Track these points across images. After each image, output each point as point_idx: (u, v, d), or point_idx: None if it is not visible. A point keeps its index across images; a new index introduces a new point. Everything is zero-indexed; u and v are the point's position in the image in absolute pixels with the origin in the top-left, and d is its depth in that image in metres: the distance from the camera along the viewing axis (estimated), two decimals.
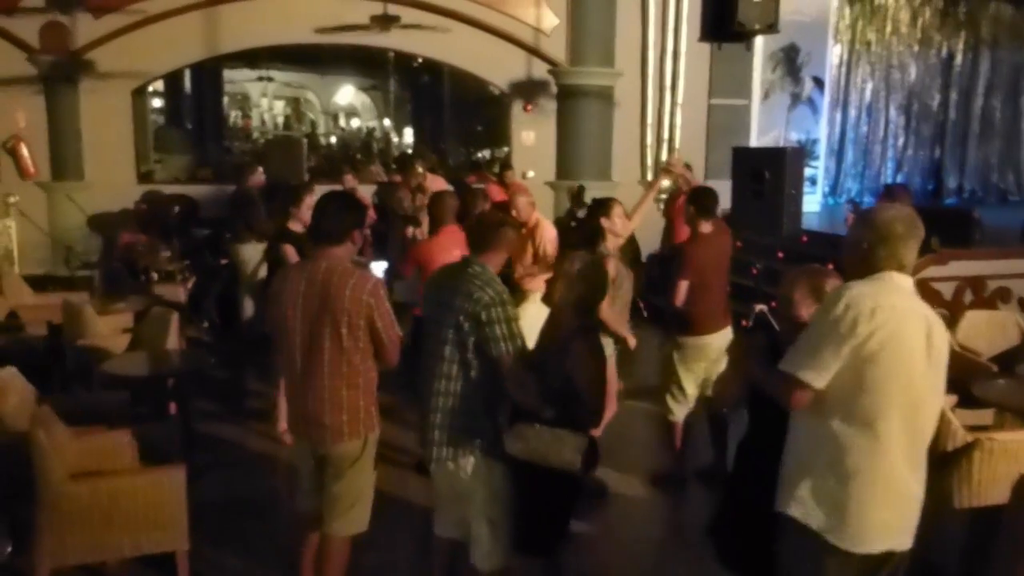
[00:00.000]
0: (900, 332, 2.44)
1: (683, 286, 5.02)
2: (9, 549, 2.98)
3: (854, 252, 2.58)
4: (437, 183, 9.05)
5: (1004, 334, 6.42)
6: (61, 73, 10.45)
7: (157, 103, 17.26)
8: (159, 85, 15.42)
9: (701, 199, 5.34)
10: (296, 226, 5.93)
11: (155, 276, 8.65)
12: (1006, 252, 8.44)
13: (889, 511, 2.51)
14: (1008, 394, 4.97)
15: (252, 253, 8.36)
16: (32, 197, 10.32)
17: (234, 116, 25.23)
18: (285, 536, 4.50)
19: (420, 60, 13.08)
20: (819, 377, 2.45)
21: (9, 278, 7.50)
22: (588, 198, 9.44)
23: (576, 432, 3.16)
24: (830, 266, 6.38)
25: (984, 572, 3.64)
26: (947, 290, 8.15)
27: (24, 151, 10.44)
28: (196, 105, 18.08)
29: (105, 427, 4.39)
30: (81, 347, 5.84)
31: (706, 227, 5.26)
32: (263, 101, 27.47)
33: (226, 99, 21.96)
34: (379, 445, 3.52)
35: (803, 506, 2.54)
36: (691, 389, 5.22)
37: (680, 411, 5.29)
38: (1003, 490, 3.43)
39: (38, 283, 8.07)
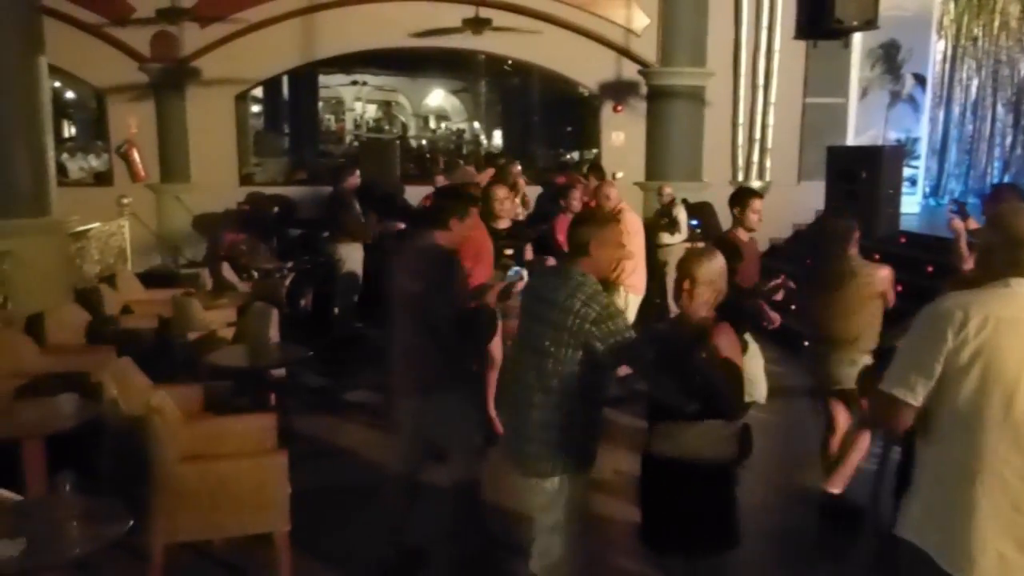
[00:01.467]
0: (998, 344, 2.24)
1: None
2: (131, 523, 3.17)
3: (981, 258, 2.44)
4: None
5: None
6: (169, 80, 10.97)
7: (256, 108, 17.90)
8: (258, 91, 15.98)
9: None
10: None
11: (256, 274, 9.00)
12: None
13: (1005, 543, 2.26)
14: None
15: (346, 252, 8.61)
16: (142, 199, 10.86)
17: (328, 120, 25.91)
18: (378, 522, 4.69)
19: (510, 62, 13.18)
20: (912, 394, 2.33)
21: (123, 275, 7.91)
22: (678, 199, 9.41)
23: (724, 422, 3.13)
24: (929, 269, 6.14)
25: None
26: None
27: (135, 155, 11.00)
28: (293, 109, 18.66)
29: (212, 415, 4.64)
30: (189, 339, 6.13)
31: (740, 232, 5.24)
32: (356, 105, 28.11)
33: (321, 103, 22.56)
34: None
35: (918, 527, 2.40)
36: None
37: None
38: None
39: (148, 280, 8.48)
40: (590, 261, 3.26)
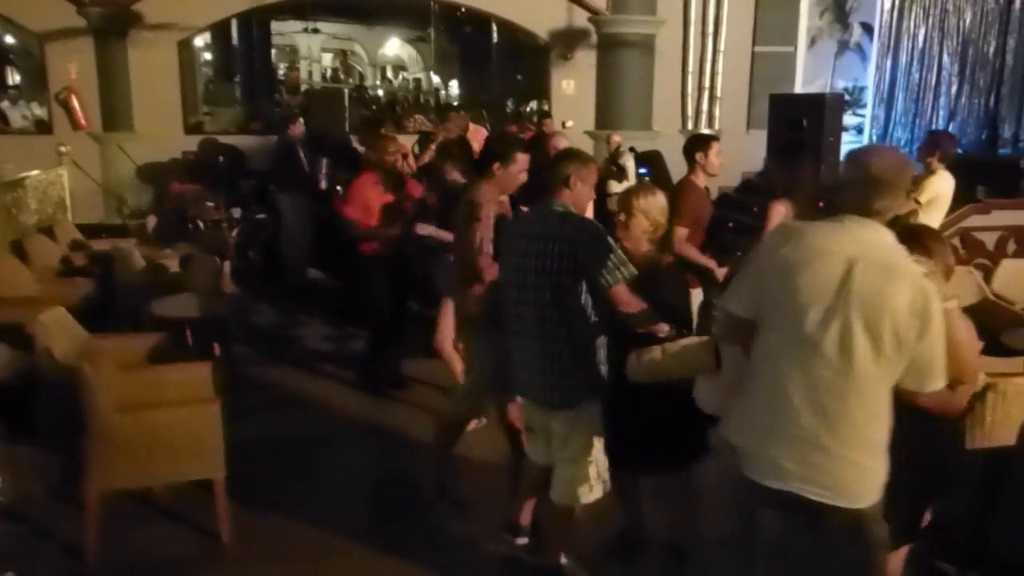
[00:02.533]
0: (798, 270, 2.39)
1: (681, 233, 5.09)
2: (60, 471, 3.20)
3: (834, 193, 2.55)
4: (480, 134, 9.13)
5: None
6: (110, 25, 10.67)
7: (208, 56, 17.52)
8: (209, 38, 15.63)
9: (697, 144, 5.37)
10: None
11: (203, 225, 8.91)
12: None
13: (779, 449, 2.46)
14: None
15: (290, 202, 8.57)
16: (85, 148, 10.62)
17: (283, 68, 25.44)
18: (319, 472, 4.76)
19: (463, 10, 13.04)
20: (739, 306, 2.54)
21: (62, 225, 7.79)
22: (625, 147, 9.44)
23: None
24: None
25: (992, 514, 3.69)
26: (990, 240, 8.06)
27: (75, 103, 10.74)
28: (245, 58, 18.29)
29: (150, 365, 4.64)
30: (130, 290, 6.10)
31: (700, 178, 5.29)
32: (311, 53, 27.63)
33: (274, 51, 22.13)
34: None
35: (730, 425, 2.61)
36: None
37: None
38: (1015, 432, 3.46)
39: (91, 231, 8.36)
40: (571, 195, 3.34)
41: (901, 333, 2.29)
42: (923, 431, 2.61)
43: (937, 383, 2.36)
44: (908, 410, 2.45)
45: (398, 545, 4.02)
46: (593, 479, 3.40)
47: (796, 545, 2.51)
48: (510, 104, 16.70)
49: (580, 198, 3.38)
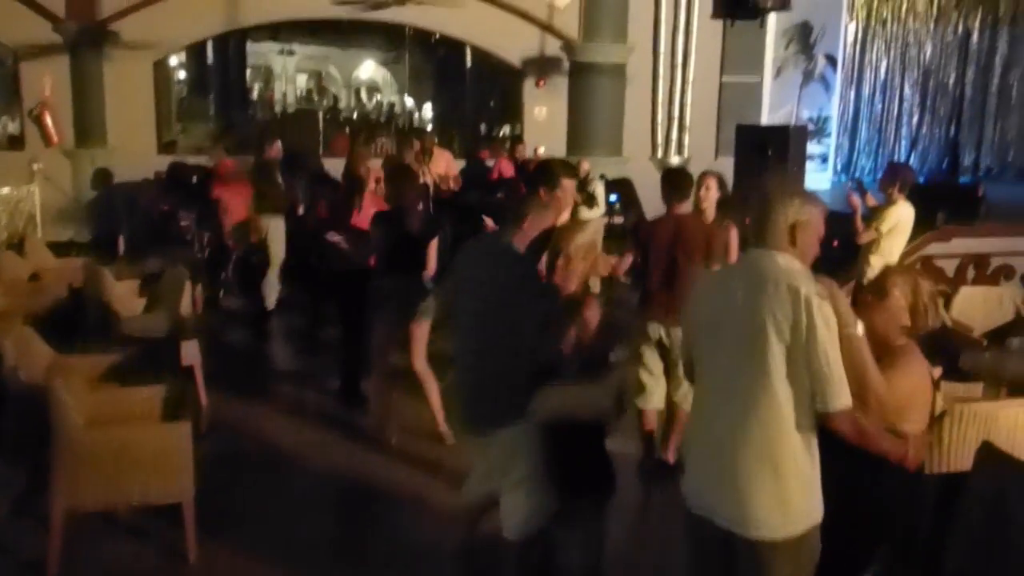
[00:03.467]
0: (707, 296, 2.68)
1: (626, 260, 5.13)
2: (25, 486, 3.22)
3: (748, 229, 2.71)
4: (443, 157, 9.23)
5: (1000, 309, 6.53)
6: (86, 42, 10.68)
7: (182, 75, 17.51)
8: (184, 57, 15.65)
9: (673, 180, 5.19)
10: None
11: (175, 243, 8.89)
12: (1010, 229, 8.51)
13: (695, 468, 2.64)
14: (992, 366, 5.09)
15: (270, 222, 8.59)
16: (57, 164, 10.59)
17: (257, 88, 25.44)
18: (289, 492, 4.80)
19: (437, 36, 13.17)
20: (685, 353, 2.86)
21: (32, 241, 7.78)
22: (596, 175, 9.58)
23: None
24: (835, 243, 6.47)
25: (948, 538, 3.76)
26: (950, 267, 8.24)
27: (48, 119, 10.71)
28: (220, 77, 18.28)
29: (120, 384, 4.66)
30: (100, 308, 6.09)
31: (680, 208, 5.08)
32: (285, 73, 27.64)
33: (249, 71, 22.13)
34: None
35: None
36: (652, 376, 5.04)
37: (647, 399, 5.06)
38: (971, 457, 3.56)
39: (62, 248, 8.34)
40: (522, 234, 3.40)
41: (790, 355, 2.40)
42: (878, 479, 2.71)
43: (837, 401, 2.39)
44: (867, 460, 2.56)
45: (370, 562, 4.06)
46: (536, 505, 3.33)
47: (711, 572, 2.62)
48: (483, 128, 16.83)
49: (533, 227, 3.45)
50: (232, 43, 17.25)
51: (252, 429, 5.73)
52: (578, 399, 3.21)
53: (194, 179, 10.29)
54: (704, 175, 5.32)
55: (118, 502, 4.06)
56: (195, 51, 15.94)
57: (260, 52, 24.26)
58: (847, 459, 2.61)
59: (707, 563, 2.64)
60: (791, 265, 2.50)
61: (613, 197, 9.55)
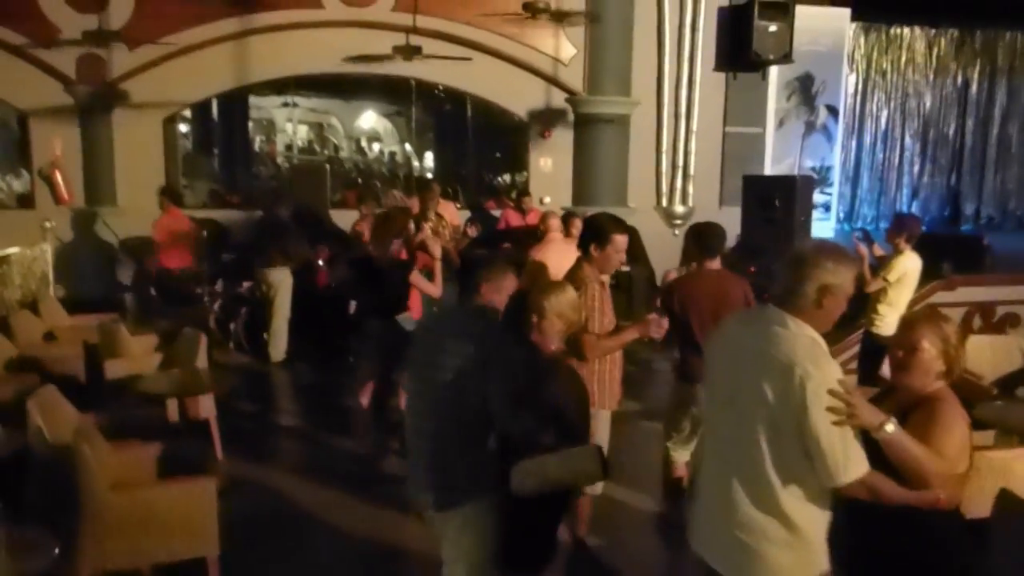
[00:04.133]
0: (713, 356, 2.77)
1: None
2: (56, 552, 3.20)
3: None
4: (448, 209, 9.33)
5: (1008, 358, 6.56)
6: (96, 103, 10.83)
7: (184, 129, 17.69)
8: (186, 112, 15.84)
9: (704, 237, 5.19)
10: None
11: (185, 300, 8.95)
12: (1015, 278, 8.58)
13: (698, 510, 2.77)
14: (1005, 414, 5.13)
15: (278, 277, 8.66)
16: (66, 223, 10.66)
17: (260, 141, 25.65)
18: (314, 547, 4.78)
19: (441, 88, 13.37)
20: None
21: (45, 301, 7.80)
22: None
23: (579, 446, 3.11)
24: None
25: None
26: (956, 316, 8.26)
27: (59, 178, 10.80)
28: (223, 131, 18.46)
29: (141, 441, 4.66)
30: (116, 366, 6.11)
31: (711, 264, 5.11)
32: (288, 126, 27.89)
33: (251, 125, 22.35)
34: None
35: None
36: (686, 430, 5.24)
37: (679, 453, 5.35)
38: (989, 505, 3.58)
39: (74, 306, 8.36)
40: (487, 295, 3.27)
41: (777, 422, 2.42)
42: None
43: (843, 476, 2.37)
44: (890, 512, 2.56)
45: None
46: None
47: None
48: (488, 178, 16.98)
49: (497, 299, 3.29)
50: (235, 98, 17.48)
51: (269, 485, 5.71)
52: (561, 467, 3.01)
53: (204, 234, 10.37)
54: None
55: (145, 562, 4.05)
56: (199, 107, 16.15)
57: (263, 106, 24.56)
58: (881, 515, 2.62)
59: None
60: (799, 335, 2.47)
61: None
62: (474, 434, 3.12)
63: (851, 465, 2.37)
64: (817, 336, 2.49)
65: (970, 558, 2.87)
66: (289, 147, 27.11)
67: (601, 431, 4.26)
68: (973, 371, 6.18)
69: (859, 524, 2.68)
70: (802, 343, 2.45)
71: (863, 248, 6.75)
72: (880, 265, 6.72)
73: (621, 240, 4.14)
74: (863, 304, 6.75)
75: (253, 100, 20.67)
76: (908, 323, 2.95)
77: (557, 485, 3.06)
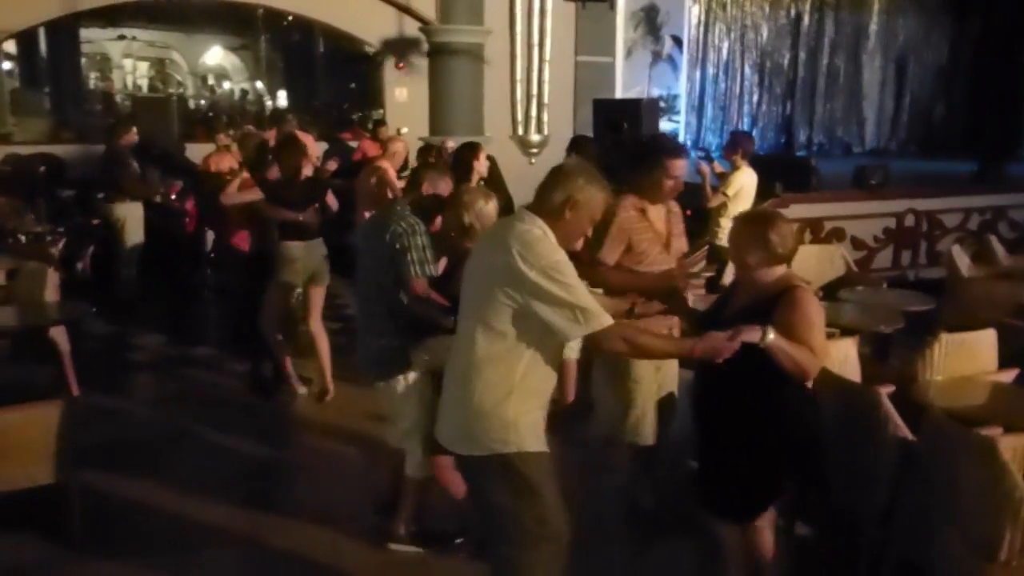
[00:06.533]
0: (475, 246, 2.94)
1: None
2: None
3: None
4: (307, 140, 9.19)
5: (832, 266, 7.21)
6: None
7: (8, 66, 16.46)
8: (11, 47, 14.74)
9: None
10: None
11: (22, 238, 8.47)
12: (840, 196, 9.29)
13: (441, 408, 2.92)
14: (827, 314, 5.66)
15: (125, 212, 8.33)
16: None
17: (95, 78, 24.14)
18: (172, 472, 4.78)
19: (290, 18, 12.98)
20: None
21: None
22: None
23: None
24: (688, 212, 6.97)
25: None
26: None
27: None
28: (53, 67, 17.31)
29: None
30: None
31: None
32: (125, 62, 26.31)
33: (84, 60, 20.99)
34: None
35: None
36: None
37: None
38: None
39: None
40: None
41: (504, 296, 2.60)
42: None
43: (578, 331, 2.58)
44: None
45: (262, 533, 4.11)
46: (423, 455, 3.71)
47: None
48: (343, 111, 16.72)
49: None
50: (63, 29, 16.37)
51: (128, 414, 5.68)
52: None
53: (42, 169, 9.83)
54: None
55: None
56: (25, 40, 15.05)
57: (95, 39, 23.01)
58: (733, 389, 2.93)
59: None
60: (532, 227, 2.64)
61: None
62: (397, 314, 3.69)
63: (589, 319, 2.56)
64: (549, 232, 2.64)
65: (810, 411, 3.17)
66: (129, 85, 25.65)
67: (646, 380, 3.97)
68: (800, 278, 6.75)
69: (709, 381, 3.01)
70: (532, 232, 2.62)
71: (704, 166, 7.16)
72: (720, 181, 7.16)
73: (676, 164, 3.84)
74: (707, 221, 7.20)
75: (84, 33, 19.42)
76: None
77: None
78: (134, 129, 8.56)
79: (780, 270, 3.10)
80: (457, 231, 3.72)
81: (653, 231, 3.89)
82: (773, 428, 3.04)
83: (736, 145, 7.08)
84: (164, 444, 5.18)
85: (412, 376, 3.71)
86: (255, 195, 5.78)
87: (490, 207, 3.73)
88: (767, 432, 3.04)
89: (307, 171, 6.03)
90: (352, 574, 3.83)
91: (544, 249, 2.58)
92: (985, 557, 3.04)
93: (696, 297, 5.16)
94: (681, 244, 4.08)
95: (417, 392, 3.70)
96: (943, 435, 3.42)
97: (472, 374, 2.67)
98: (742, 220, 3.23)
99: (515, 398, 2.68)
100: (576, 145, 6.80)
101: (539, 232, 2.63)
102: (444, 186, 3.92)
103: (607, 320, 2.59)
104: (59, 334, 5.57)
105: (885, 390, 3.98)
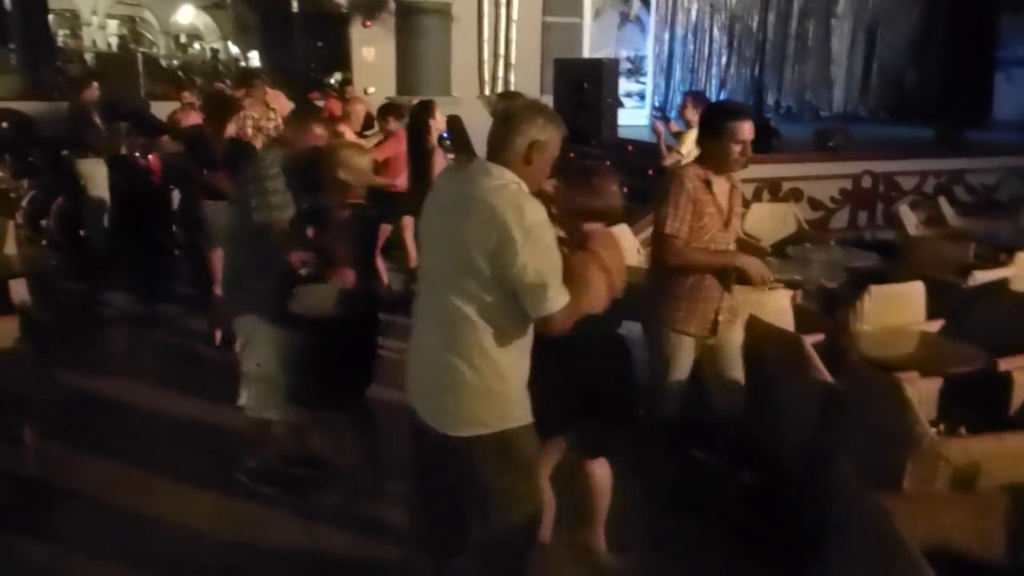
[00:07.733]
0: (424, 213, 2.72)
1: None
2: None
3: None
4: (279, 99, 9.23)
5: (784, 224, 7.40)
6: None
7: None
8: None
9: None
10: None
11: None
12: (798, 157, 9.45)
13: (411, 367, 2.80)
14: (773, 270, 5.85)
15: (89, 169, 8.36)
16: None
17: (63, 35, 23.78)
18: (136, 424, 4.91)
19: None
20: None
21: None
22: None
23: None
24: (650, 172, 7.10)
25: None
26: (748, 191, 9.07)
27: None
28: (20, 23, 17.03)
29: None
30: None
31: None
32: (94, 19, 25.95)
33: (52, 17, 20.68)
34: None
35: None
36: None
37: None
38: None
39: None
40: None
41: (478, 265, 2.47)
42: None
43: (546, 309, 2.48)
44: None
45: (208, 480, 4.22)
46: (269, 398, 3.92)
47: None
48: (314, 71, 16.61)
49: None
50: None
51: (90, 373, 5.71)
52: (311, 298, 3.70)
53: (4, 125, 9.80)
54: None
55: None
56: None
57: None
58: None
59: (430, 466, 2.91)
60: (506, 183, 2.51)
61: (444, 134, 9.80)
62: (259, 258, 3.80)
63: (558, 297, 2.48)
64: (521, 183, 2.53)
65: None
66: (100, 43, 25.28)
67: (682, 357, 3.87)
68: (753, 235, 6.94)
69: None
70: (508, 189, 2.49)
71: (660, 125, 7.30)
72: (676, 140, 7.30)
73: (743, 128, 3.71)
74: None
75: None
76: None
77: (313, 312, 3.69)
78: (95, 84, 8.56)
79: None
80: (332, 187, 3.77)
81: (715, 205, 3.68)
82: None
83: (690, 104, 7.20)
84: (125, 403, 5.23)
85: (261, 318, 3.84)
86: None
87: (364, 161, 3.88)
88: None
89: (231, 131, 6.09)
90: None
91: (530, 206, 2.47)
92: (888, 487, 3.26)
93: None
94: (738, 224, 3.90)
95: (263, 331, 3.85)
96: (859, 378, 3.65)
97: (470, 354, 2.55)
98: None
99: (516, 370, 2.64)
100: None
101: (515, 187, 2.51)
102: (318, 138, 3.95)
103: (565, 299, 2.50)
104: (20, 284, 5.63)
105: (815, 338, 4.21)
